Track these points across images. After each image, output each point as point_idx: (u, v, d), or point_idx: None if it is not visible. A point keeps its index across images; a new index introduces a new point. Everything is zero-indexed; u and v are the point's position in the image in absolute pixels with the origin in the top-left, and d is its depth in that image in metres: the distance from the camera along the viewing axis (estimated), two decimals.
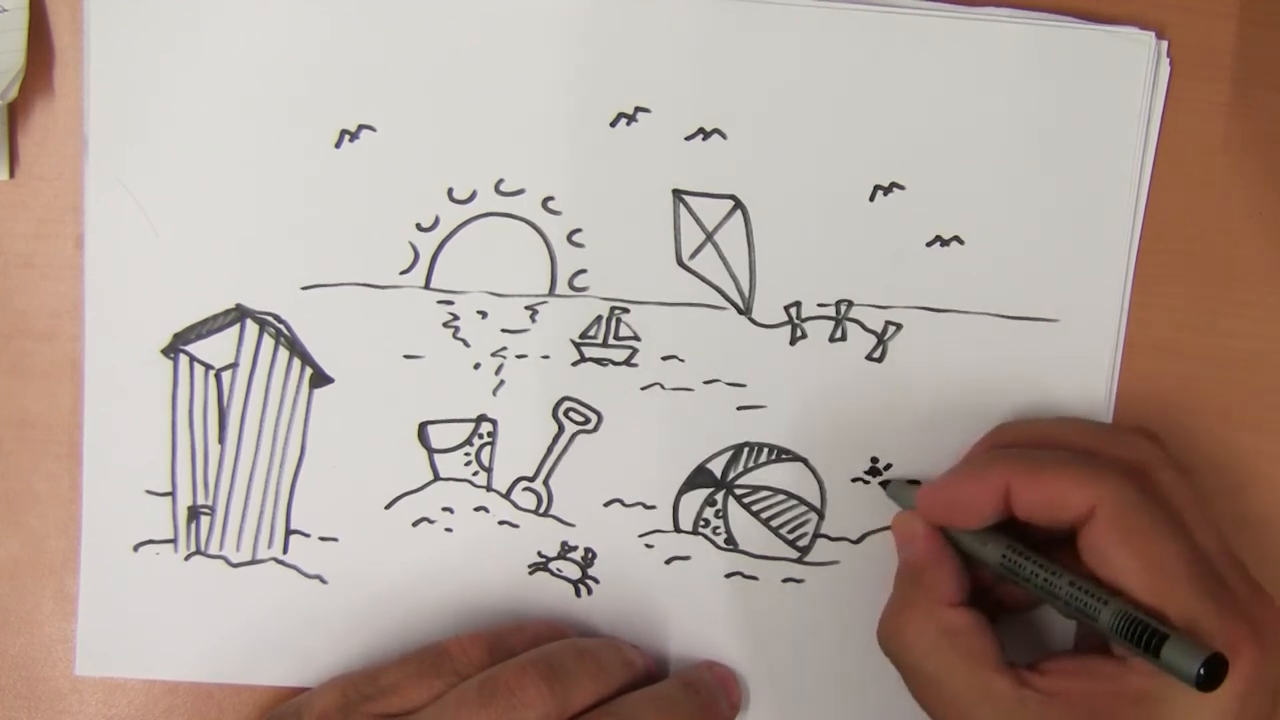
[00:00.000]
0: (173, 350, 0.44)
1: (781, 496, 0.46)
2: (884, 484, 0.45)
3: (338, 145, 0.44)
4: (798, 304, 0.45)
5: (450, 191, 0.44)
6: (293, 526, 0.45)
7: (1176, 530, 0.39)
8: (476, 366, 0.45)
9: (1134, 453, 0.41)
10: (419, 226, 0.44)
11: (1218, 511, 0.42)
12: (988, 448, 0.44)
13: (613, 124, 0.44)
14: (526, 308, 0.45)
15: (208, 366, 0.44)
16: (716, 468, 0.45)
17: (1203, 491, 0.41)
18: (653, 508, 0.45)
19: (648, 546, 0.46)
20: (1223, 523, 0.40)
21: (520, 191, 0.44)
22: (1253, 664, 0.37)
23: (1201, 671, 0.35)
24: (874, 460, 0.45)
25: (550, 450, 0.45)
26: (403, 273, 0.44)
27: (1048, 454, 0.41)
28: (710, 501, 0.46)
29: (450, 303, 0.44)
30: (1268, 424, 0.46)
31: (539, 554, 0.46)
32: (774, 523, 0.46)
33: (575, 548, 0.46)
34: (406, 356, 0.45)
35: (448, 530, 0.45)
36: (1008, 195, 0.44)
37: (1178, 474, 0.41)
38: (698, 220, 0.44)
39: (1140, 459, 0.41)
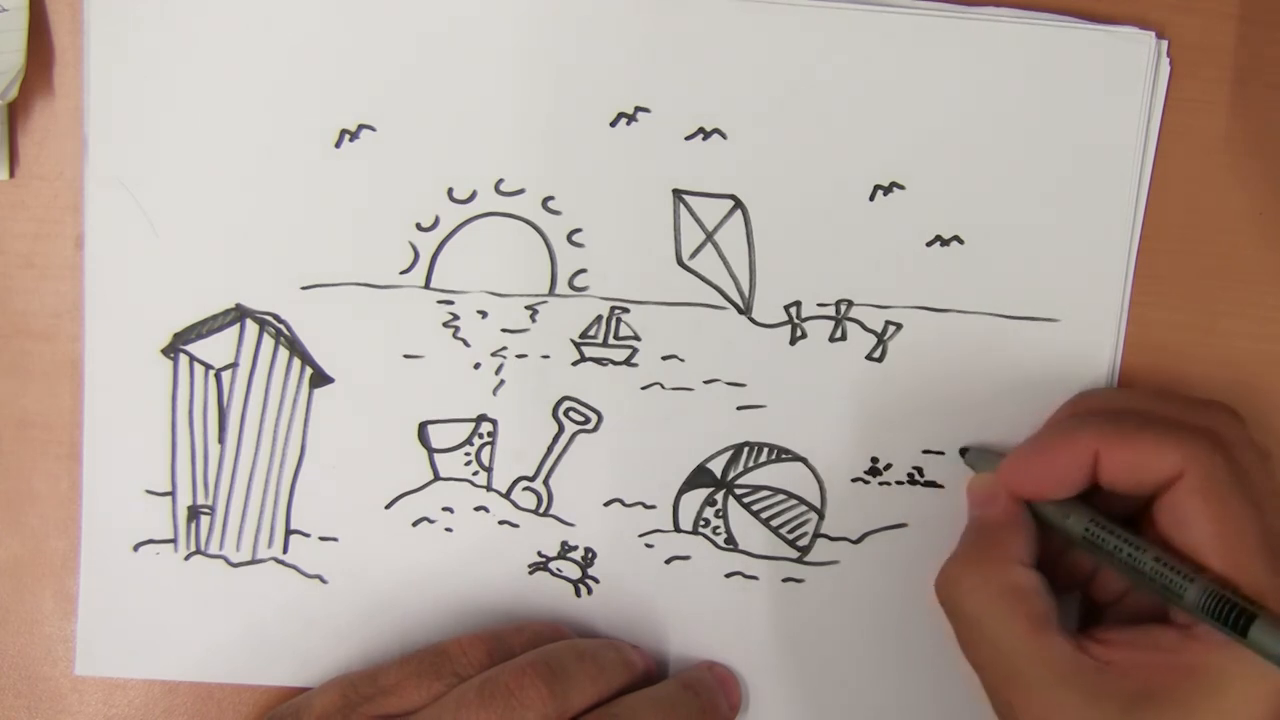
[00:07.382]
0: (173, 350, 0.44)
1: (781, 496, 0.46)
2: (962, 452, 0.45)
3: (338, 145, 0.44)
4: (798, 304, 0.45)
5: (450, 191, 0.44)
6: (293, 526, 0.45)
7: (1256, 506, 0.38)
8: (476, 366, 0.45)
9: (1221, 426, 0.41)
10: (419, 226, 0.44)
11: None
12: (1069, 415, 0.43)
13: (613, 124, 0.44)
14: (526, 307, 0.45)
15: (208, 366, 0.44)
16: (716, 467, 0.45)
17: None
18: (653, 507, 0.45)
19: (648, 546, 0.46)
20: None
21: (520, 191, 0.44)
22: None
23: None
24: (874, 460, 0.45)
25: (550, 450, 0.45)
26: (403, 272, 0.44)
27: (1137, 418, 0.40)
28: (710, 501, 0.46)
29: (450, 302, 0.44)
30: (1268, 424, 0.46)
31: (539, 554, 0.46)
32: (774, 523, 0.46)
33: (575, 547, 0.46)
34: (406, 356, 0.45)
35: (448, 530, 0.45)
36: (1008, 195, 0.44)
37: (1259, 455, 0.41)
38: (698, 220, 0.44)
39: (1226, 433, 0.40)
